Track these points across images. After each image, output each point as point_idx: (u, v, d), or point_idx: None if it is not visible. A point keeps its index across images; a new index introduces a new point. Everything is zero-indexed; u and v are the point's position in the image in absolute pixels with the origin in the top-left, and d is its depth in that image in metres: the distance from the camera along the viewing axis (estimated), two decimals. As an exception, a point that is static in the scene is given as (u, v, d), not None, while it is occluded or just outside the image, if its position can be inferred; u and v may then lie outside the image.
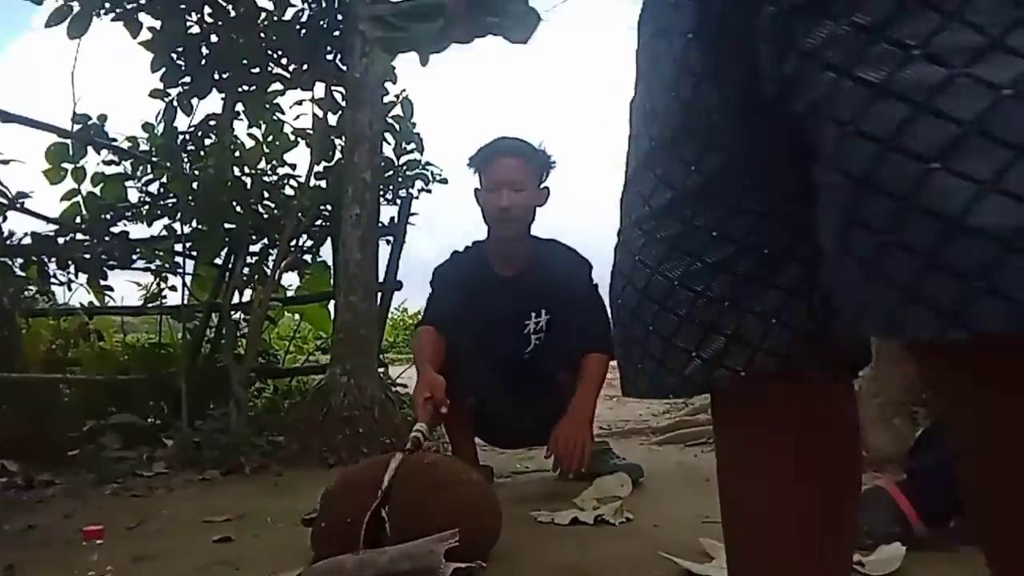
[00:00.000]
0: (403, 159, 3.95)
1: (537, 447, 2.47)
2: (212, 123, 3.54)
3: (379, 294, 3.50)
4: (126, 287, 3.79)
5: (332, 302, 3.82)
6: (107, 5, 3.35)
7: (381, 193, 3.56)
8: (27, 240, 2.86)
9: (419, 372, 2.09)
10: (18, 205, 2.78)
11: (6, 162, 2.63)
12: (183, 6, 3.43)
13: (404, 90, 3.92)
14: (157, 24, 3.42)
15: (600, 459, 2.29)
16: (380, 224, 3.52)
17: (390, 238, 3.86)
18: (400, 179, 3.94)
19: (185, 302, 3.47)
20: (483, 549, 1.45)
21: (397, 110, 3.90)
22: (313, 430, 2.91)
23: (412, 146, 3.95)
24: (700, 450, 3.11)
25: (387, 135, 3.78)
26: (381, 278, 3.53)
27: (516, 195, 2.24)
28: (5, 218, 2.73)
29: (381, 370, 3.33)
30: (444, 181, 4.01)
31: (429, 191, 4.01)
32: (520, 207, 2.25)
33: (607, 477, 2.03)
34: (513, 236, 2.29)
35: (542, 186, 2.34)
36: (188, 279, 3.48)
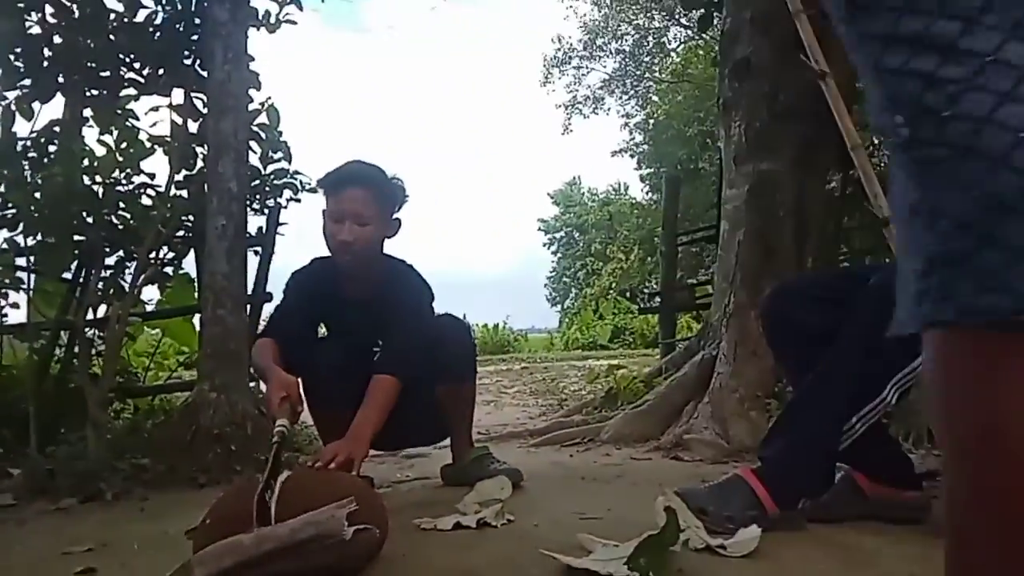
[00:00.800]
0: (270, 168, 3.85)
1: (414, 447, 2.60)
2: (56, 129, 3.31)
3: (248, 307, 3.39)
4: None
5: (197, 316, 3.67)
6: (-68, 0, 3.07)
7: (248, 203, 3.45)
8: None
9: (268, 374, 2.04)
10: None
11: None
12: (21, 4, 3.20)
13: (269, 97, 3.82)
14: (-8, 22, 3.17)
15: (480, 464, 2.34)
16: (248, 235, 3.41)
17: (258, 249, 3.75)
18: (268, 188, 3.84)
19: (30, 320, 3.22)
20: (381, 525, 1.47)
21: (263, 118, 3.79)
22: (181, 450, 2.79)
23: (279, 155, 3.85)
24: (575, 450, 3.22)
25: (253, 143, 3.67)
26: (250, 290, 3.43)
27: (360, 229, 2.15)
28: None
29: (253, 384, 3.23)
30: (313, 190, 3.94)
31: (298, 200, 3.93)
32: (363, 241, 2.16)
33: (487, 481, 2.08)
34: (352, 268, 2.22)
35: (393, 217, 2.27)
36: (32, 295, 3.22)
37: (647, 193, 26.72)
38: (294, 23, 3.81)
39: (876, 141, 5.53)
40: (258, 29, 3.69)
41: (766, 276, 3.47)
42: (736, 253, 3.58)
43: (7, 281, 3.17)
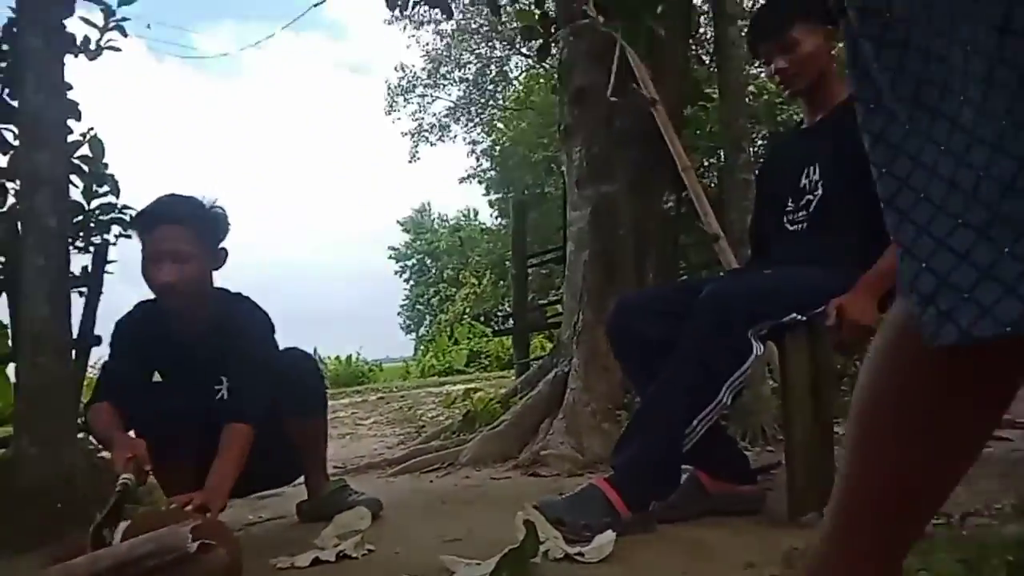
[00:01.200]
0: (95, 203, 3.59)
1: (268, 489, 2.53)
2: None
3: (73, 352, 3.13)
4: None
5: (12, 365, 3.34)
6: None
7: (72, 241, 3.20)
8: None
9: (111, 442, 1.97)
10: None
11: None
12: None
13: (92, 128, 3.57)
14: None
15: (337, 497, 2.29)
16: (72, 274, 3.16)
17: (84, 290, 3.47)
18: (92, 224, 3.57)
19: None
20: (233, 553, 1.42)
21: (85, 150, 3.54)
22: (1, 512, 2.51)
23: (105, 188, 3.60)
24: (435, 476, 3.21)
25: (74, 177, 3.41)
26: (75, 334, 3.16)
27: (180, 267, 2.02)
28: None
29: (82, 435, 2.97)
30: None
31: (128, 236, 3.67)
32: (186, 280, 2.03)
33: (346, 513, 2.03)
34: (181, 308, 2.11)
35: (219, 247, 2.15)
36: None
37: (496, 218, 27.29)
38: (118, 50, 3.60)
39: (704, 163, 5.97)
40: (76, 56, 3.46)
41: (610, 293, 3.64)
42: (583, 273, 3.74)
43: None
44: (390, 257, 35.29)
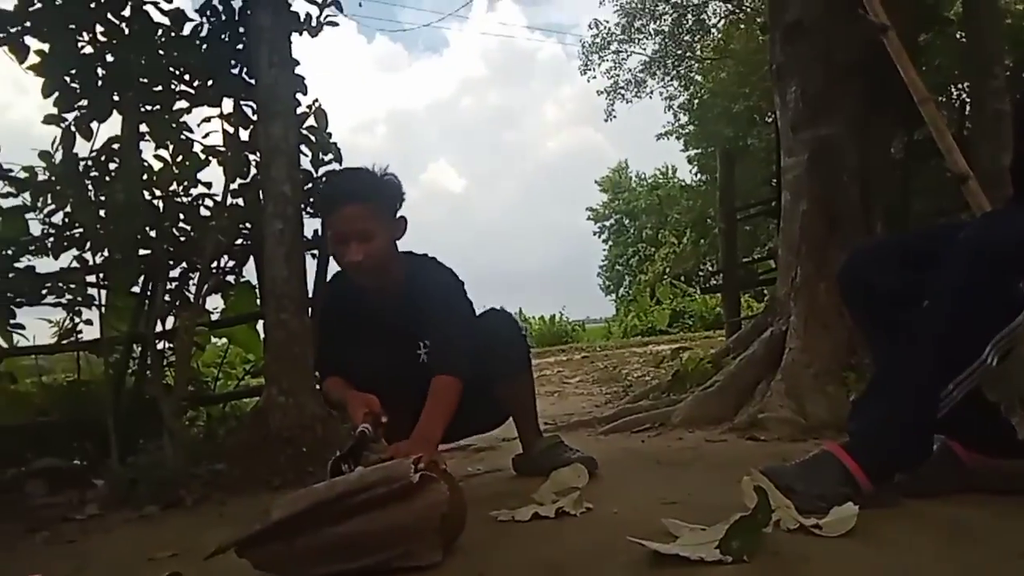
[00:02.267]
0: (322, 170, 3.86)
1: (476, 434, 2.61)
2: (115, 147, 3.37)
3: (309, 309, 3.41)
4: (37, 326, 3.60)
5: (261, 322, 3.71)
6: (-11, 31, 3.16)
7: (303, 207, 3.47)
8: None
9: (346, 401, 2.05)
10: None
11: None
12: (72, 26, 3.27)
13: (316, 100, 3.83)
14: (45, 47, 3.24)
15: (553, 452, 2.30)
16: (304, 238, 3.43)
17: (315, 252, 3.77)
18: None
19: (103, 335, 3.30)
20: (458, 503, 1.51)
21: (311, 121, 3.81)
22: (254, 454, 2.82)
23: (330, 157, 3.86)
24: (647, 435, 3.16)
25: (303, 147, 3.69)
26: (311, 292, 3.45)
27: (366, 245, 2.06)
28: None
29: (319, 387, 3.25)
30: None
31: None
32: (372, 256, 2.07)
33: (563, 469, 2.03)
34: (371, 281, 2.15)
35: (397, 217, 2.15)
36: (104, 310, 3.30)
37: (695, 174, 26.30)
38: (336, 24, 3.82)
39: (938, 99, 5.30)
40: (300, 33, 3.71)
41: (833, 246, 3.35)
42: (800, 224, 3.47)
43: (79, 299, 3.25)
44: (588, 218, 35.39)
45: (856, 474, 1.61)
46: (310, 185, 3.79)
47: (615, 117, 22.17)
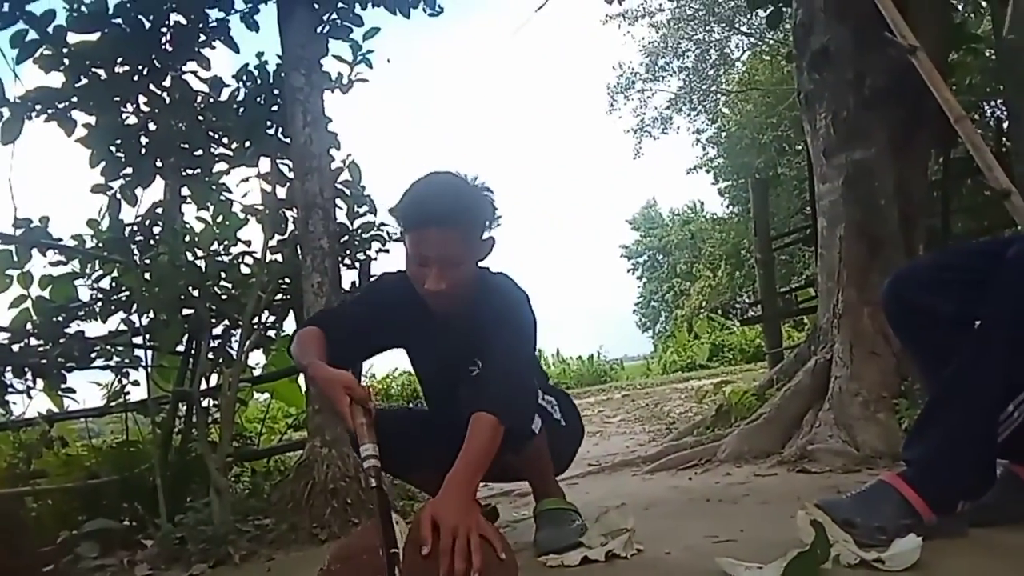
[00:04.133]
0: (357, 223, 3.93)
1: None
2: (159, 211, 3.48)
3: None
4: (87, 389, 3.67)
5: (302, 376, 3.75)
6: (38, 107, 3.31)
7: (340, 259, 3.53)
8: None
9: (309, 368, 1.76)
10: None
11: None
12: (117, 98, 3.41)
13: (350, 155, 3.92)
14: (92, 119, 3.38)
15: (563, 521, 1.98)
16: (342, 290, 3.48)
17: (353, 303, 3.81)
18: (356, 243, 3.92)
19: (150, 395, 3.36)
20: None
21: (345, 175, 3.90)
22: (299, 508, 2.82)
23: (365, 208, 3.93)
24: (693, 473, 3.09)
25: (339, 201, 3.76)
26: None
27: (450, 273, 1.82)
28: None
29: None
30: (400, 239, 3.99)
31: (387, 251, 3.99)
32: (456, 285, 1.84)
33: (612, 511, 1.99)
34: (448, 306, 1.91)
35: (484, 238, 1.92)
36: (150, 371, 3.37)
37: (727, 206, 26.20)
38: (365, 81, 3.93)
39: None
40: (332, 91, 3.82)
41: (874, 270, 3.29)
42: (839, 250, 3.42)
43: (127, 360, 3.32)
44: (622, 256, 35.38)
45: (917, 504, 1.56)
46: (346, 238, 3.86)
47: (642, 155, 22.30)
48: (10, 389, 2.83)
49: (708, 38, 21.44)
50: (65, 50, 3.30)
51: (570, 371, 16.53)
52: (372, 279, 2.17)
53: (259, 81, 3.75)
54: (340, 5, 3.76)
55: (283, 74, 3.58)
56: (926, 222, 3.63)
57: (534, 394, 1.94)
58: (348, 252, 3.88)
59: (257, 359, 3.97)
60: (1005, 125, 4.41)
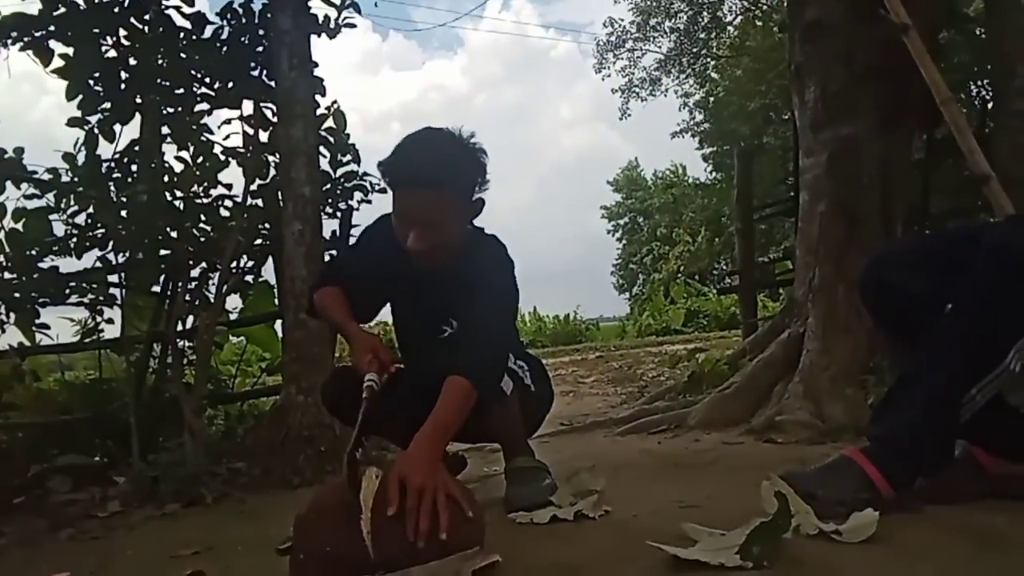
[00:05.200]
0: (340, 171, 3.89)
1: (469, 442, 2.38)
2: (137, 148, 3.41)
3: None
4: (60, 324, 3.65)
5: (279, 322, 3.75)
6: (14, 35, 3.20)
7: (321, 208, 3.50)
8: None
9: (345, 330, 1.86)
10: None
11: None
12: (96, 30, 3.31)
13: (335, 101, 3.86)
14: (70, 51, 3.28)
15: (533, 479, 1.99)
16: (323, 238, 3.45)
17: (333, 252, 3.79)
18: (339, 192, 3.89)
19: (124, 334, 3.34)
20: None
21: (330, 122, 3.84)
22: (273, 453, 2.85)
23: (348, 158, 3.89)
24: (663, 437, 3.16)
25: (322, 148, 3.72)
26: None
27: (432, 231, 1.80)
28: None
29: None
30: (384, 191, 3.96)
31: (369, 202, 3.97)
32: (436, 246, 1.83)
33: (582, 472, 2.04)
34: (431, 263, 1.89)
35: (474, 199, 1.90)
36: (125, 310, 3.34)
37: (710, 172, 26.20)
38: (354, 26, 3.84)
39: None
40: (319, 35, 3.73)
41: (852, 247, 3.34)
42: (818, 225, 3.46)
43: (102, 298, 3.29)
44: (602, 216, 35.37)
45: (876, 480, 1.60)
46: (328, 186, 3.82)
47: (630, 115, 22.14)
48: (-18, 324, 2.81)
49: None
50: (44, -24, 3.19)
51: (546, 329, 16.64)
52: (369, 225, 2.14)
53: (244, 21, 3.65)
54: (330, -56, 3.66)
55: (269, 15, 3.49)
56: (906, 202, 3.67)
57: (506, 359, 1.96)
58: (330, 201, 3.85)
59: (234, 303, 3.96)
60: (990, 106, 4.43)
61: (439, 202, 1.80)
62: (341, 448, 2.83)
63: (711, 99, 23.09)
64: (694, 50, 22.09)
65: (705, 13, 21.42)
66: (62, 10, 3.23)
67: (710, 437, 3.03)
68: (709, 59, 22.43)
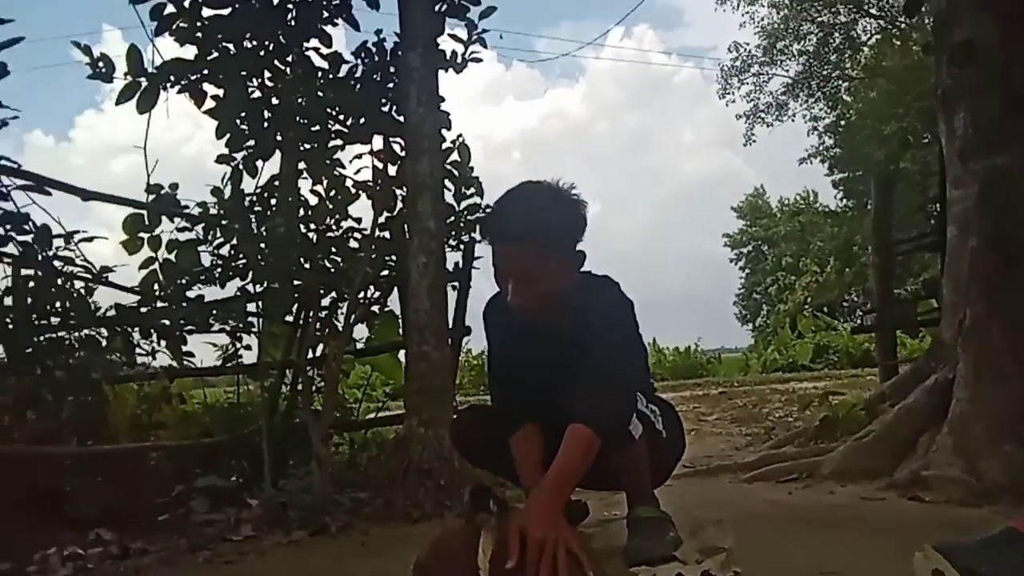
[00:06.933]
0: (463, 204, 3.96)
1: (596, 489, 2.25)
2: (276, 183, 3.61)
3: (449, 341, 3.48)
4: (203, 348, 3.88)
5: (402, 351, 3.83)
6: (172, 78, 3.47)
7: (445, 240, 3.56)
8: (111, 312, 2.94)
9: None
10: (103, 279, 2.86)
11: (90, 239, 2.73)
12: (244, 72, 3.54)
13: (460, 135, 3.94)
14: (220, 92, 3.52)
15: (657, 532, 1.90)
16: (446, 271, 3.52)
17: (456, 284, 3.86)
18: (462, 224, 3.95)
19: (260, 360, 3.52)
20: None
21: (455, 156, 3.92)
22: (395, 484, 2.90)
23: (472, 191, 3.96)
24: (793, 487, 2.98)
25: (447, 182, 3.80)
26: (449, 324, 3.52)
27: (529, 289, 1.79)
28: (92, 293, 2.81)
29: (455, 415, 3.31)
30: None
31: (479, 233, 4.01)
32: (536, 300, 1.81)
33: (708, 526, 1.93)
34: (536, 317, 1.88)
35: (576, 250, 1.87)
36: (261, 337, 3.52)
37: (841, 199, 24.95)
38: (480, 60, 3.93)
39: None
40: (446, 70, 3.83)
41: (1008, 286, 3.06)
42: (969, 261, 3.19)
43: (241, 325, 3.48)
44: (724, 244, 34.47)
45: (1052, 560, 1.43)
46: (451, 219, 3.89)
47: (755, 141, 21.52)
48: (137, 349, 3.02)
49: (833, 20, 20.35)
50: (199, 24, 3.45)
51: (665, 362, 16.27)
52: (484, 310, 2.14)
53: (376, 59, 3.81)
54: (459, -17, 3.76)
55: (400, 52, 3.62)
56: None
57: (632, 404, 1.89)
58: (453, 233, 3.92)
59: (360, 331, 4.09)
60: None
61: (532, 255, 1.78)
62: (460, 483, 2.85)
63: (842, 123, 22.09)
64: (824, 72, 21.27)
65: (837, 34, 20.61)
66: (214, 55, 3.48)
67: (846, 490, 2.83)
68: (841, 81, 21.52)
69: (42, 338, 2.68)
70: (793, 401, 6.00)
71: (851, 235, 21.73)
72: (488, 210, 1.92)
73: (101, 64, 3.33)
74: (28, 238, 2.55)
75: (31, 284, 2.67)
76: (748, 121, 21.52)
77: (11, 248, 2.55)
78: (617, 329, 1.89)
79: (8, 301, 2.60)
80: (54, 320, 2.80)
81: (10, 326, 2.56)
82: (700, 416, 5.94)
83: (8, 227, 2.51)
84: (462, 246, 3.94)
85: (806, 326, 16.58)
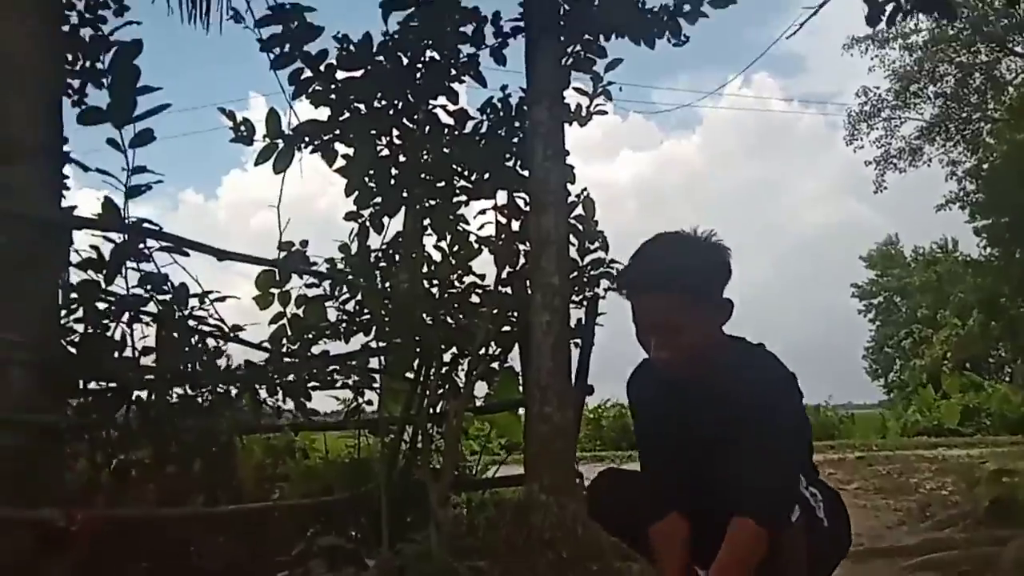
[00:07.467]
0: (587, 259, 3.85)
1: None
2: (401, 239, 3.63)
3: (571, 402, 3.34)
4: (324, 401, 3.93)
5: (522, 410, 3.72)
6: (306, 139, 3.58)
7: (569, 297, 3.45)
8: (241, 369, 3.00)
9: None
10: (233, 336, 2.93)
11: (223, 299, 2.80)
12: (373, 131, 3.61)
13: (585, 189, 3.86)
14: (350, 151, 3.60)
15: None
16: (570, 328, 3.40)
17: (578, 341, 3.72)
18: (585, 279, 3.84)
19: (381, 416, 3.49)
20: None
21: (579, 210, 3.83)
22: (514, 554, 2.76)
23: (596, 245, 3.85)
24: (966, 581, 2.61)
25: (571, 236, 3.70)
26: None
27: (671, 339, 1.71)
28: (222, 352, 2.87)
29: (577, 480, 3.15)
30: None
31: (615, 289, 3.86)
32: (680, 352, 1.72)
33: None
34: (683, 375, 1.78)
35: (723, 298, 1.78)
36: (382, 393, 3.50)
37: (984, 248, 23.18)
38: (604, 113, 3.86)
39: None
40: (571, 124, 3.78)
41: None
42: None
43: (363, 380, 3.47)
44: (852, 295, 32.73)
45: None
46: (575, 274, 3.79)
47: (886, 188, 20.46)
48: (264, 406, 3.05)
49: (972, 60, 19.19)
50: (333, 86, 3.55)
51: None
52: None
53: (502, 114, 3.80)
54: (586, 37, 3.72)
55: (526, 107, 3.60)
56: None
57: (793, 488, 1.71)
58: (576, 288, 3.80)
59: (480, 389, 4.01)
60: None
61: (673, 306, 1.70)
62: (583, 555, 2.68)
63: (984, 166, 20.64)
64: (963, 115, 20.04)
65: (977, 74, 19.43)
66: (346, 115, 3.57)
67: (1034, 589, 2.45)
68: (983, 123, 20.18)
69: (175, 395, 2.74)
70: (945, 471, 5.43)
71: (997, 285, 20.09)
72: (626, 264, 1.83)
73: (243, 128, 3.48)
74: (167, 297, 2.63)
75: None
76: (878, 167, 20.49)
77: (151, 307, 2.64)
78: (783, 407, 1.75)
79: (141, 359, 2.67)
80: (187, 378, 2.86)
81: (151, 385, 2.63)
82: (839, 484, 5.46)
83: (149, 287, 2.59)
84: (585, 302, 3.81)
85: (952, 385, 15.28)
